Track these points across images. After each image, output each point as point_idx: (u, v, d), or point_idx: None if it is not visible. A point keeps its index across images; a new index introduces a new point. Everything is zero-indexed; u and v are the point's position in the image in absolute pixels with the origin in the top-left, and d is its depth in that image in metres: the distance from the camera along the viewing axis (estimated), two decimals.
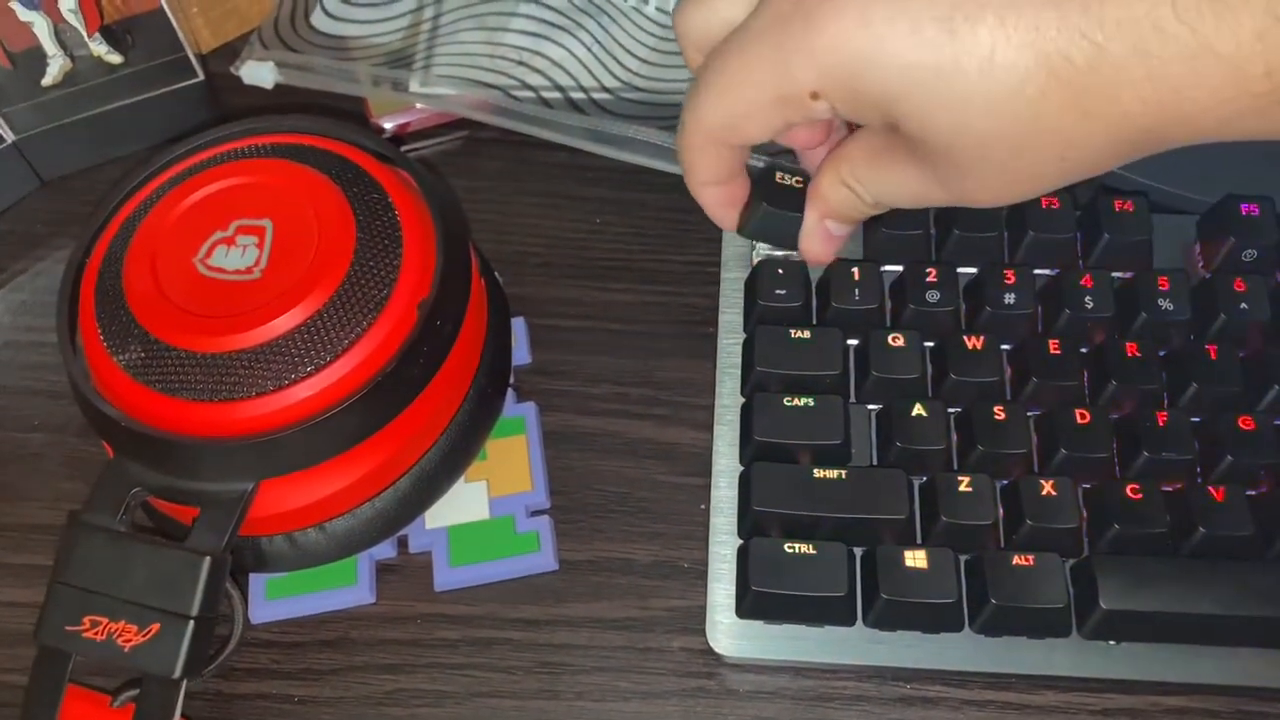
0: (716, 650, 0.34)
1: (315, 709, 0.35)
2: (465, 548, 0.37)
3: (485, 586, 0.37)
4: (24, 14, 0.42)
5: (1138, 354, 0.35)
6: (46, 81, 0.44)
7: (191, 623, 0.31)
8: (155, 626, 0.31)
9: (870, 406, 0.36)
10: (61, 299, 0.35)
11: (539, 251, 0.44)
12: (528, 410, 0.39)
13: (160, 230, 0.34)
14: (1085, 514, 0.34)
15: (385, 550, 0.37)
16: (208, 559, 0.31)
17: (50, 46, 0.43)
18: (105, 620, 0.31)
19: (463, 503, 0.38)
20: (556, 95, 0.45)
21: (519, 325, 0.41)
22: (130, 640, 0.31)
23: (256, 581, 0.36)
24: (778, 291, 0.37)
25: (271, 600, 0.36)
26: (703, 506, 0.37)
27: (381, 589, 0.37)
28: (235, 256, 0.34)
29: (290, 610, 0.36)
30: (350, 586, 0.36)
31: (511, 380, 0.40)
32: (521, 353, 0.41)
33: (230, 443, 0.32)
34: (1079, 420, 0.34)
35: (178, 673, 0.31)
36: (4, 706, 0.35)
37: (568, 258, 0.44)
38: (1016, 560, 0.32)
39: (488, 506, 0.38)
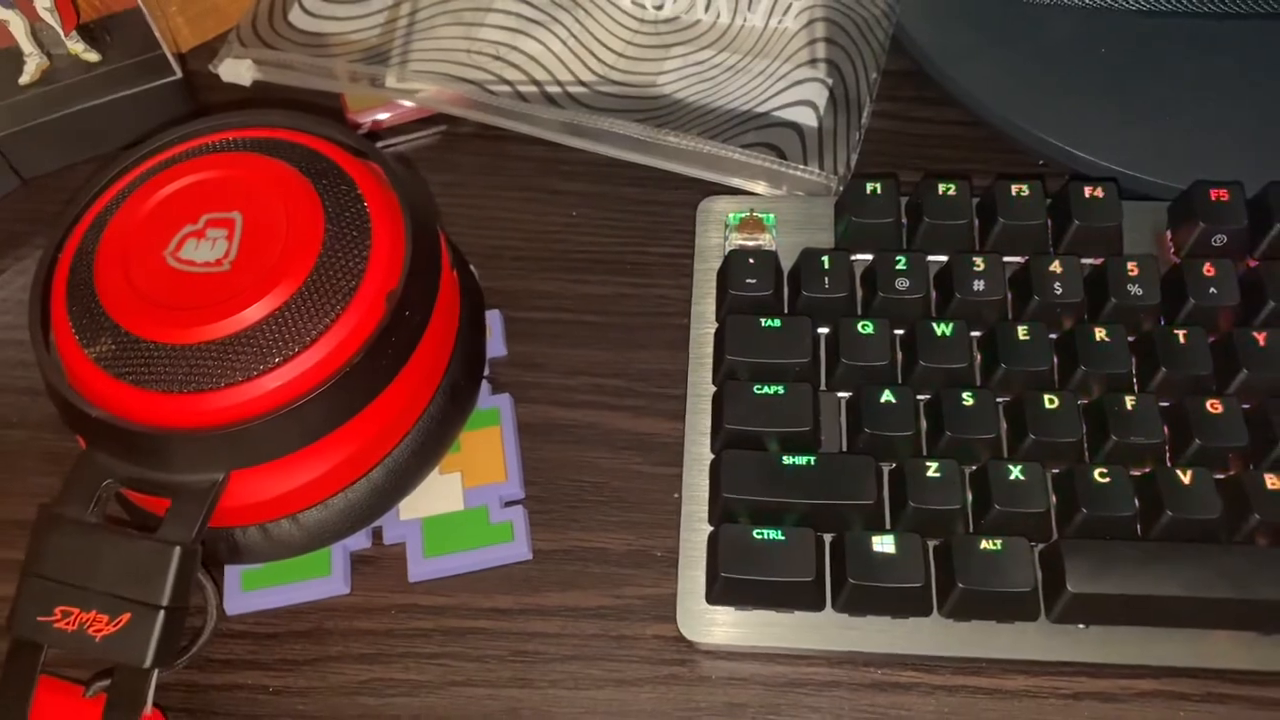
0: (688, 637, 0.34)
1: (290, 699, 0.35)
2: (439, 538, 0.37)
3: (459, 577, 0.37)
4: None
5: (1106, 339, 0.36)
6: (24, 80, 0.44)
7: (162, 612, 0.31)
8: (126, 616, 0.31)
9: (840, 394, 0.37)
10: (34, 294, 0.35)
11: (515, 245, 0.44)
12: (503, 402, 0.40)
13: (131, 224, 0.34)
14: (1054, 498, 0.34)
15: (360, 541, 0.37)
16: (178, 549, 0.32)
17: (27, 45, 0.43)
18: (77, 610, 0.31)
19: (437, 494, 0.38)
20: (533, 89, 0.45)
21: (495, 318, 0.41)
22: (101, 630, 0.31)
23: (231, 573, 0.37)
24: (748, 281, 0.37)
25: (247, 592, 0.36)
26: (675, 496, 0.37)
27: (356, 580, 0.37)
28: (205, 249, 0.34)
29: (265, 602, 0.36)
30: (325, 578, 0.36)
31: (487, 372, 0.40)
32: (497, 345, 0.41)
33: (200, 433, 0.32)
34: (1048, 405, 0.35)
35: (148, 662, 0.31)
36: None
37: (544, 251, 0.44)
38: (984, 545, 0.33)
39: (462, 497, 0.38)
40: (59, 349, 0.34)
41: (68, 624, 0.31)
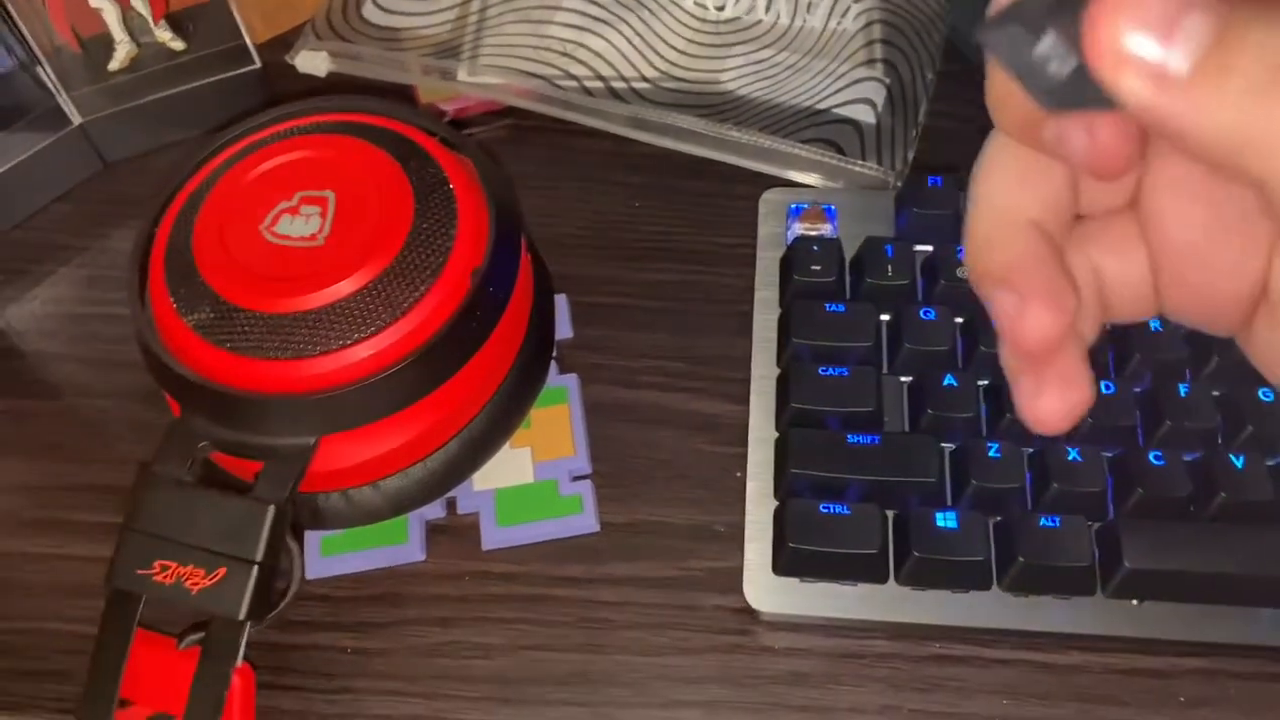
0: (753, 606, 0.35)
1: (367, 659, 0.37)
2: (511, 509, 0.38)
3: (530, 546, 0.38)
4: (95, 0, 0.44)
5: (1159, 328, 0.37)
6: (113, 66, 0.46)
7: (256, 568, 0.33)
8: (222, 571, 0.33)
9: (903, 378, 0.38)
10: (132, 265, 0.37)
11: (580, 233, 0.46)
12: (570, 381, 0.41)
13: (228, 199, 0.36)
14: (1110, 480, 0.35)
15: (435, 511, 0.39)
16: (272, 507, 0.33)
17: (118, 32, 0.45)
18: (174, 565, 0.33)
19: (508, 467, 0.39)
20: (598, 85, 0.47)
21: (561, 301, 0.43)
22: (198, 584, 0.33)
23: (311, 540, 0.38)
24: (814, 267, 0.39)
25: (326, 557, 0.38)
26: (738, 474, 0.38)
27: (431, 548, 0.38)
28: (300, 225, 0.35)
29: (344, 567, 0.38)
30: (402, 545, 0.38)
31: (554, 353, 0.42)
32: (564, 327, 0.43)
33: (294, 398, 0.33)
34: (1103, 391, 0.36)
35: (243, 614, 0.32)
36: (74, 654, 0.37)
37: (608, 240, 0.45)
38: (1043, 521, 0.34)
39: (532, 471, 0.39)
40: (155, 317, 0.36)
41: (165, 577, 0.33)
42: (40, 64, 0.44)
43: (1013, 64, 0.17)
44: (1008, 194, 0.20)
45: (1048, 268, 0.19)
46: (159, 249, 0.36)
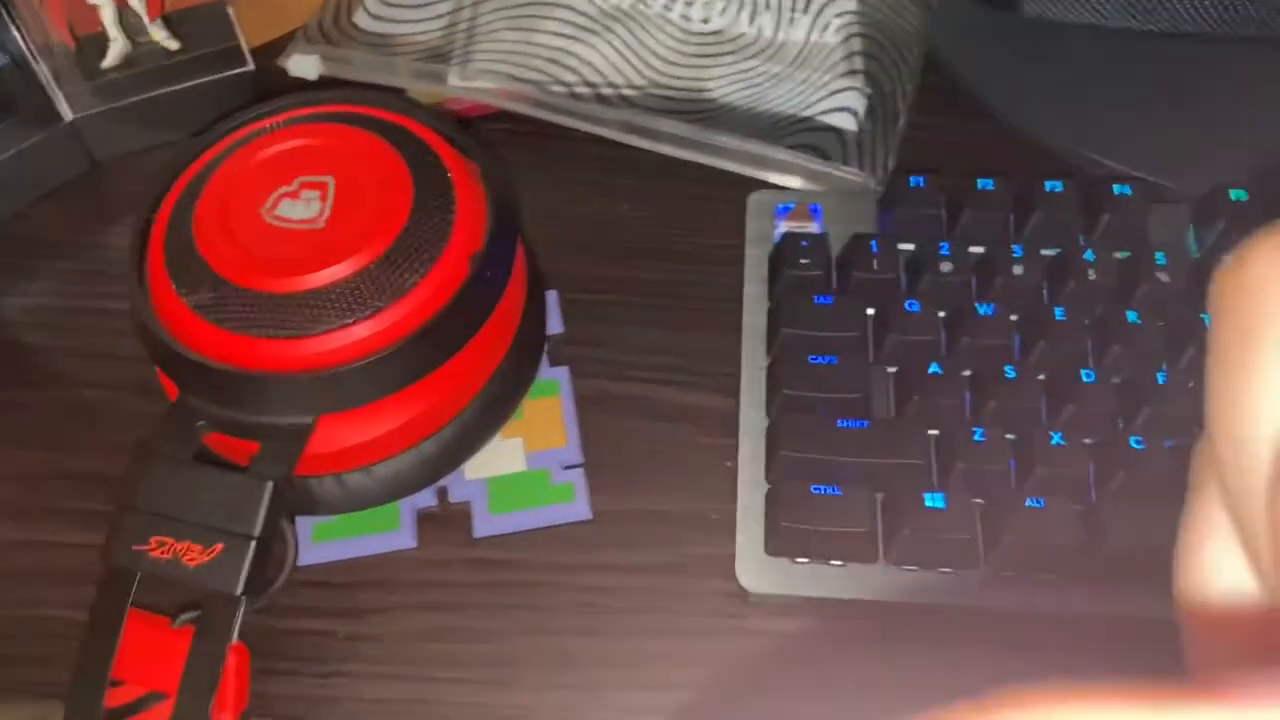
0: (747, 588, 0.36)
1: (359, 645, 0.37)
2: (503, 497, 0.39)
3: (522, 535, 0.38)
4: None
5: (1138, 322, 0.38)
6: (106, 64, 0.46)
7: (254, 543, 0.33)
8: (219, 547, 0.33)
9: (889, 369, 0.39)
10: (133, 248, 0.37)
11: (571, 233, 0.46)
12: (561, 374, 0.42)
13: (229, 184, 0.36)
14: (1092, 465, 0.36)
15: (426, 499, 0.39)
16: (270, 483, 0.33)
17: (113, 30, 0.46)
18: (171, 540, 0.33)
19: (501, 457, 0.40)
20: (587, 90, 0.48)
21: (551, 297, 0.44)
22: (195, 559, 0.33)
23: (303, 526, 0.38)
24: (802, 261, 0.40)
25: (318, 543, 0.38)
26: (728, 464, 0.39)
27: (422, 535, 0.39)
28: (300, 208, 0.36)
29: (335, 553, 0.38)
30: (393, 532, 0.38)
31: (545, 348, 0.42)
32: (554, 322, 0.43)
33: (294, 376, 0.34)
34: (1083, 380, 0.37)
35: (239, 589, 0.32)
36: (61, 639, 0.36)
37: (598, 240, 0.46)
38: (1029, 503, 0.35)
39: (524, 460, 0.40)
40: (154, 298, 0.36)
41: (163, 553, 0.33)
42: (35, 60, 0.45)
43: None
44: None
45: None
46: (159, 232, 0.37)
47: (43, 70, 0.45)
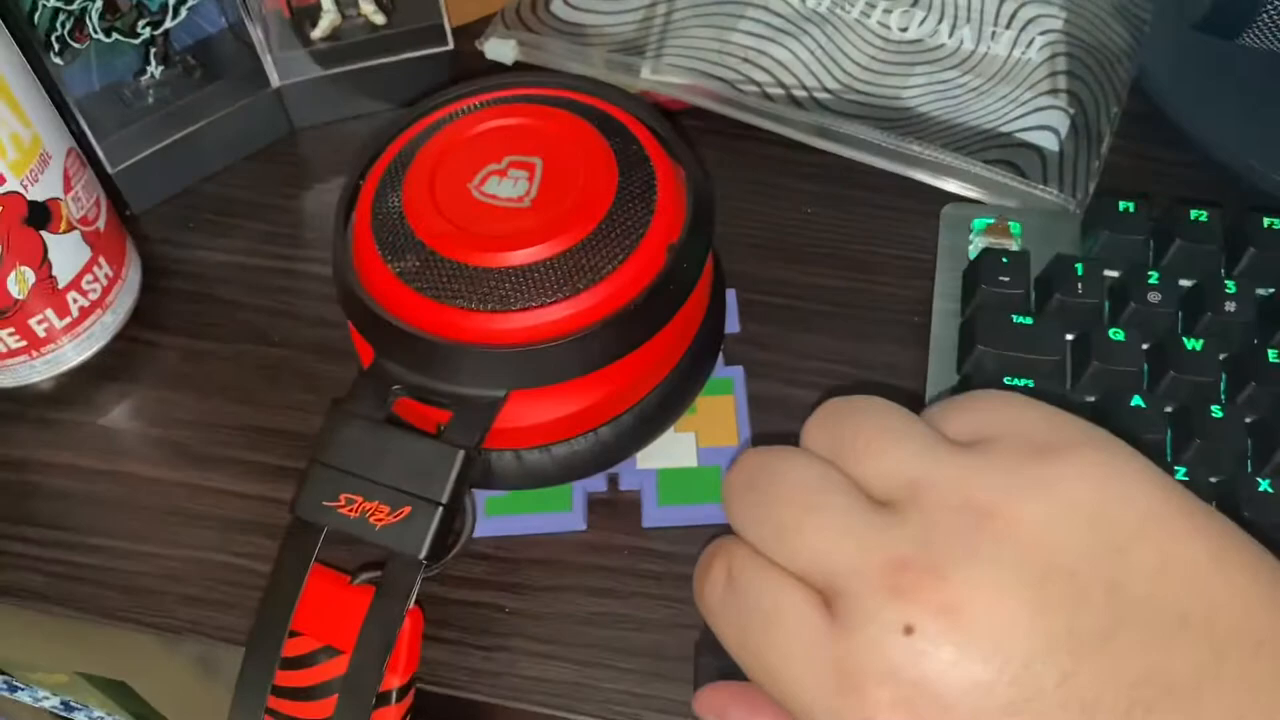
0: None
1: (523, 621, 0.37)
2: (673, 490, 0.39)
3: (689, 529, 0.38)
4: None
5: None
6: (316, 35, 0.48)
7: (441, 509, 0.33)
8: (406, 509, 0.33)
9: (1087, 398, 0.37)
10: (339, 211, 0.38)
11: (751, 234, 0.46)
12: (736, 373, 0.41)
13: (440, 157, 0.37)
14: None
15: (598, 484, 0.39)
16: (461, 452, 0.33)
17: (328, 2, 0.47)
18: (360, 499, 0.33)
19: (673, 449, 0.39)
20: (779, 91, 0.48)
21: (730, 296, 0.43)
22: (382, 520, 0.33)
23: (477, 500, 0.38)
24: (1001, 279, 0.39)
25: (491, 517, 0.38)
26: None
27: (592, 519, 0.39)
28: (507, 186, 0.36)
29: (507, 528, 0.38)
30: (565, 513, 0.38)
31: (722, 346, 0.42)
32: (732, 322, 0.43)
33: (491, 350, 0.34)
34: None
35: (424, 553, 0.33)
36: (237, 586, 0.38)
37: (778, 242, 0.46)
38: None
39: (696, 455, 0.39)
40: (358, 263, 0.37)
41: (351, 510, 0.33)
42: (252, 26, 0.46)
43: None
44: None
45: None
46: (366, 197, 0.37)
47: (258, 37, 0.47)
